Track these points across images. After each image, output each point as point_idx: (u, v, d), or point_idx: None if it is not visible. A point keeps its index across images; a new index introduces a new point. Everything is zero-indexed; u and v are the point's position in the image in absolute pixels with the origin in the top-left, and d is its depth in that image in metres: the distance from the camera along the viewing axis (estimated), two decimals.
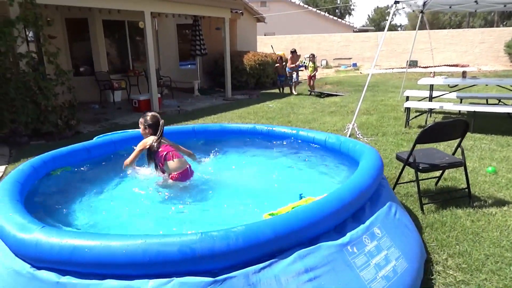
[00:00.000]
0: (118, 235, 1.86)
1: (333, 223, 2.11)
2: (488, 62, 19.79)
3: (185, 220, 2.80)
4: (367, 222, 2.25)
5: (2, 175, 4.83)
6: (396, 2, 5.76)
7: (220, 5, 11.15)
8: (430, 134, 3.33)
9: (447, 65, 19.41)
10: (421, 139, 3.33)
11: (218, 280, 1.74)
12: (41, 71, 6.78)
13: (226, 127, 4.80)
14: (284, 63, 12.27)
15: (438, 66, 19.08)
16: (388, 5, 53.27)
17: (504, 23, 37.18)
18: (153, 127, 3.36)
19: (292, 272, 1.85)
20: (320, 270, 1.91)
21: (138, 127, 3.54)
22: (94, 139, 4.08)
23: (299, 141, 4.21)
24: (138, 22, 11.82)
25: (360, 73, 19.06)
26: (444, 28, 44.96)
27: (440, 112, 7.72)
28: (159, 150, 3.26)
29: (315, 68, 12.07)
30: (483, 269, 2.50)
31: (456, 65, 19.23)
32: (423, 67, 19.07)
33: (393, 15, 6.74)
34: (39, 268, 1.85)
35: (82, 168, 3.65)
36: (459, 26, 45.70)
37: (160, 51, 12.83)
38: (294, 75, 11.81)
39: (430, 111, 7.30)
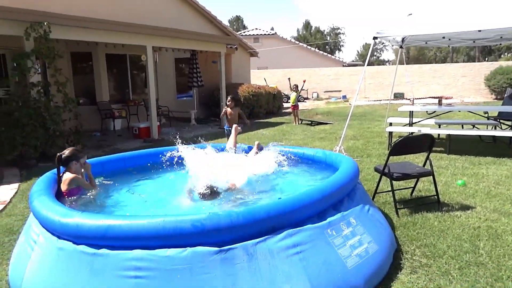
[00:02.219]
0: (143, 215, 2.31)
1: (315, 210, 2.58)
2: (470, 94, 20.83)
3: None
4: (345, 212, 2.72)
5: (17, 191, 5.23)
6: (374, 38, 6.48)
7: (217, 41, 12.00)
8: (401, 147, 3.86)
9: (431, 97, 20.38)
10: (393, 152, 3.85)
11: (223, 250, 2.18)
12: (50, 99, 7.33)
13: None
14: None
15: (424, 98, 20.04)
16: (376, 42, 55.62)
17: (486, 58, 39.10)
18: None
19: (283, 246, 2.30)
20: (305, 246, 2.36)
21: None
22: None
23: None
24: (139, 55, 12.58)
25: (349, 104, 19.89)
26: (430, 63, 47.05)
27: None
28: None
29: (297, 97, 12.09)
30: (444, 256, 2.95)
31: (441, 97, 20.15)
32: (409, 99, 19.99)
33: (373, 50, 7.50)
34: (79, 244, 2.29)
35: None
36: (443, 61, 47.84)
37: (158, 83, 13.52)
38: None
39: (411, 134, 7.90)
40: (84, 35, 8.13)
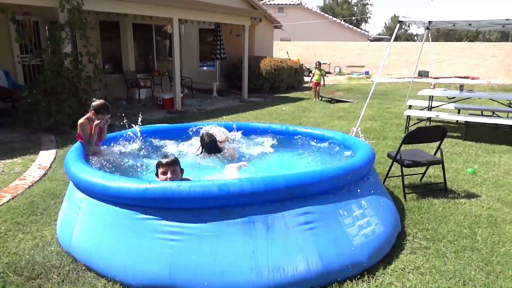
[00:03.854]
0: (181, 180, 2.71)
1: (330, 187, 2.90)
2: (498, 75, 20.23)
3: None
4: (357, 195, 3.04)
5: (55, 157, 5.73)
6: (399, 22, 6.49)
7: (241, 14, 12.03)
8: (413, 136, 4.08)
9: (458, 77, 19.91)
10: (406, 140, 4.08)
11: (245, 221, 2.56)
12: (82, 69, 7.71)
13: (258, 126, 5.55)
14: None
15: (449, 77, 19.61)
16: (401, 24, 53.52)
17: None
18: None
19: (298, 222, 2.65)
20: (318, 223, 2.70)
21: (164, 123, 4.42)
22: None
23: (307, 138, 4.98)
24: (164, 26, 12.77)
25: (372, 81, 19.70)
26: (461, 39, 45.20)
27: (438, 121, 8.41)
28: None
29: (321, 76, 12.20)
30: (443, 240, 3.24)
31: (467, 77, 19.73)
32: (435, 78, 19.61)
33: (398, 30, 7.46)
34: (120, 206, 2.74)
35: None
36: (475, 37, 45.83)
37: (182, 53, 13.75)
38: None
39: (429, 119, 7.99)
40: (115, 7, 8.38)
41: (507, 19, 5.86)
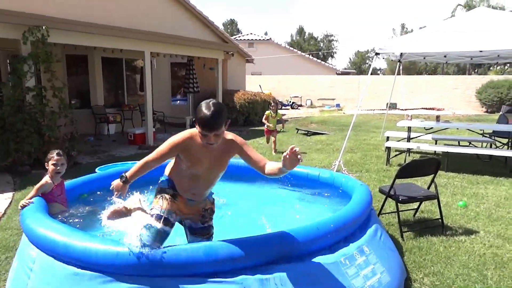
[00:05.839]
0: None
1: (330, 240, 2.55)
2: (461, 106, 21.13)
3: None
4: (359, 241, 2.70)
5: (11, 201, 5.09)
6: (376, 54, 6.52)
7: (215, 47, 11.95)
8: (407, 170, 3.86)
9: (424, 108, 20.62)
10: (400, 175, 3.85)
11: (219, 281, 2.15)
12: (46, 104, 7.17)
13: None
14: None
15: (416, 108, 20.26)
16: (368, 50, 56.47)
17: (475, 70, 39.74)
18: None
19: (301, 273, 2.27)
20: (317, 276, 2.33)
21: (133, 160, 3.89)
22: (96, 170, 4.45)
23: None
24: (135, 60, 12.47)
25: (343, 113, 20.03)
26: (421, 72, 47.61)
27: (417, 152, 8.39)
28: None
29: (278, 120, 8.44)
30: (453, 286, 2.94)
31: (433, 108, 20.48)
32: (402, 109, 20.20)
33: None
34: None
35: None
36: (434, 71, 48.49)
37: (153, 87, 13.40)
38: None
39: (408, 150, 7.95)
40: (83, 39, 8.01)
41: (480, 51, 5.98)
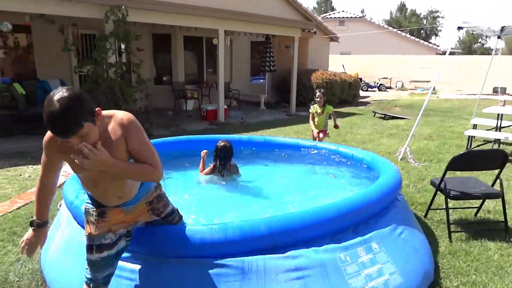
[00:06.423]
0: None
1: (328, 229, 2.30)
2: None
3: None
4: (366, 236, 2.39)
5: None
6: (459, 28, 5.61)
7: (291, 25, 11.62)
8: (462, 161, 3.30)
9: None
10: (453, 165, 3.31)
11: (216, 264, 2.06)
12: (126, 79, 7.81)
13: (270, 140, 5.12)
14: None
15: None
16: (470, 32, 49.41)
17: None
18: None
19: (282, 268, 2.09)
20: (309, 271, 2.12)
21: (201, 133, 4.07)
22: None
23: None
24: (213, 38, 12.79)
25: (437, 97, 18.07)
26: None
27: (507, 143, 7.18)
28: None
29: (327, 116, 6.00)
30: None
31: None
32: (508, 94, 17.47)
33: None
34: None
35: None
36: None
37: (232, 66, 13.67)
38: None
39: (497, 141, 6.84)
40: (157, 18, 8.43)
41: None
